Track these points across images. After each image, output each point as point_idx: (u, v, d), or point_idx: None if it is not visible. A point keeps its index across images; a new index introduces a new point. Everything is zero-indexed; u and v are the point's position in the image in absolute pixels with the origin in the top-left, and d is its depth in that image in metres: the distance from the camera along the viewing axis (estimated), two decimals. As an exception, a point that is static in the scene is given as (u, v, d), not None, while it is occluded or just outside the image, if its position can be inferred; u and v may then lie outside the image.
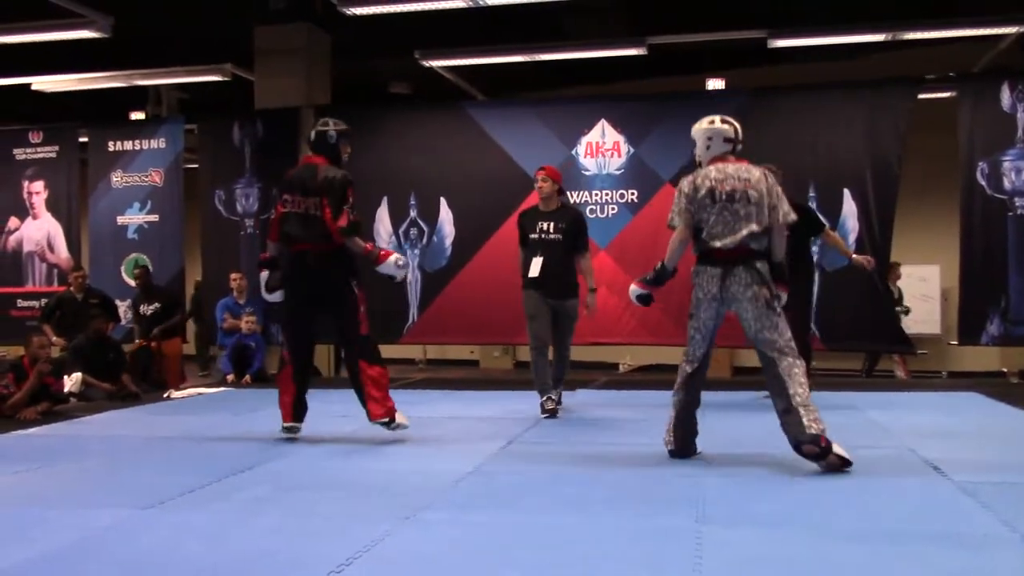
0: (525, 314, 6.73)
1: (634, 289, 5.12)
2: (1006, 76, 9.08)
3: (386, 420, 5.54)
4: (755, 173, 4.79)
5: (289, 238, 5.54)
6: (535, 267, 6.64)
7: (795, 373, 4.59)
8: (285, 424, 5.70)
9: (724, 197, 4.70)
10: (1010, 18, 9.05)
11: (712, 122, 4.93)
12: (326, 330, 5.73)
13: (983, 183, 8.95)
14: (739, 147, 4.96)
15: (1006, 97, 8.94)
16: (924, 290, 12.42)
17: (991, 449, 5.23)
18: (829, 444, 4.45)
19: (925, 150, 9.92)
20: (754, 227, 4.70)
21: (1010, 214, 8.91)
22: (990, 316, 8.95)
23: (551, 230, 6.69)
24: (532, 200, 8.71)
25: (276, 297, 5.72)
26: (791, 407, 4.51)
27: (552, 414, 6.57)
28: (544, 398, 6.60)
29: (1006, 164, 8.91)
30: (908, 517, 3.71)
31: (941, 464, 4.62)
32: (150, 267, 10.43)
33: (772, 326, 4.65)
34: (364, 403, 5.55)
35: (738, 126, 4.98)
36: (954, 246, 9.18)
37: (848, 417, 6.47)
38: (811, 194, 9.11)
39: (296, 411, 5.69)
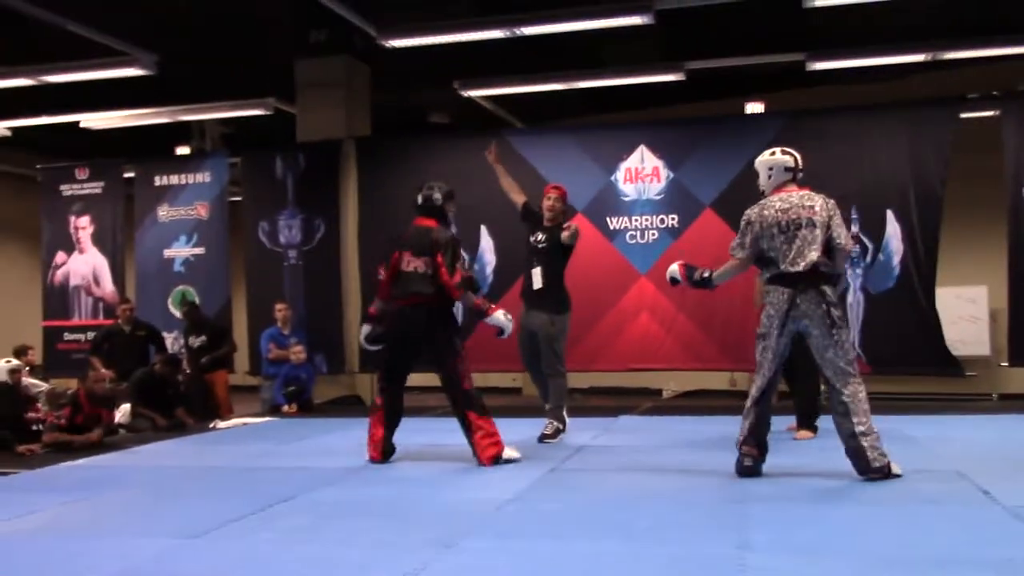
0: None
1: (674, 269, 5.48)
2: (1050, 93, 8.96)
3: (495, 459, 5.71)
4: (817, 201, 5.06)
5: (398, 294, 5.87)
6: (537, 278, 6.78)
7: (860, 399, 4.86)
8: (372, 460, 5.91)
9: (790, 226, 4.98)
10: (1052, 35, 8.96)
11: (773, 153, 5.23)
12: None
13: (1030, 202, 8.81)
14: (800, 175, 5.21)
15: (1051, 114, 8.82)
16: (973, 311, 12.22)
17: (1043, 473, 5.12)
18: (890, 472, 4.83)
19: (970, 169, 9.80)
20: (819, 251, 4.95)
21: (1058, 233, 8.77)
22: (1041, 337, 8.79)
23: (542, 240, 6.84)
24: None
25: (375, 347, 6.15)
26: (855, 435, 4.83)
27: (542, 439, 6.66)
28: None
29: (1052, 183, 8.78)
30: (957, 543, 3.64)
31: (991, 488, 4.53)
32: (196, 300, 10.54)
33: (837, 345, 4.90)
34: (474, 451, 5.74)
35: (798, 156, 5.23)
36: (1002, 266, 9.04)
37: (897, 441, 6.35)
38: (854, 216, 9.02)
39: (385, 450, 5.93)
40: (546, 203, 6.92)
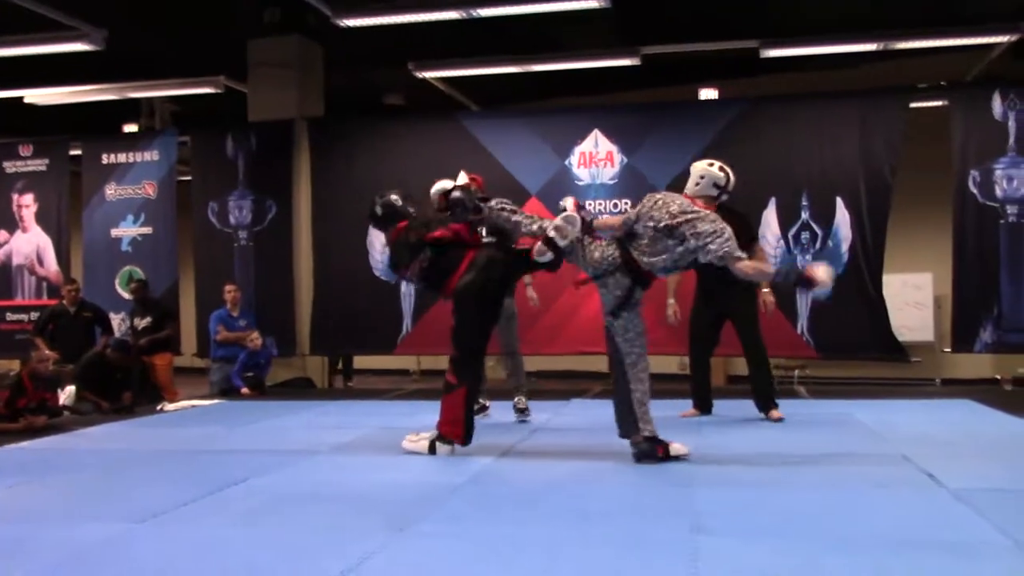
0: None
1: (567, 204, 5.20)
2: (997, 85, 9.12)
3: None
4: (707, 226, 4.88)
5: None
6: None
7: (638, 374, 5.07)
8: (458, 445, 5.45)
9: (664, 229, 4.94)
10: (1001, 27, 9.09)
11: (711, 164, 5.25)
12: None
13: (975, 191, 8.99)
14: (724, 197, 5.24)
15: (997, 106, 8.99)
16: (917, 298, 12.44)
17: (985, 456, 5.23)
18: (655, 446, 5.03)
19: (918, 159, 9.95)
20: (670, 260, 4.98)
21: (1002, 222, 8.96)
22: (983, 323, 8.98)
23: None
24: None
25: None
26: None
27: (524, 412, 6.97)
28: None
29: (998, 172, 8.96)
30: (903, 525, 3.71)
31: (936, 472, 4.62)
32: (146, 280, 10.38)
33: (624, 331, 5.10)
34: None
35: (732, 177, 5.23)
36: (947, 254, 9.21)
37: (843, 425, 6.48)
38: (804, 203, 9.15)
39: (468, 433, 5.48)
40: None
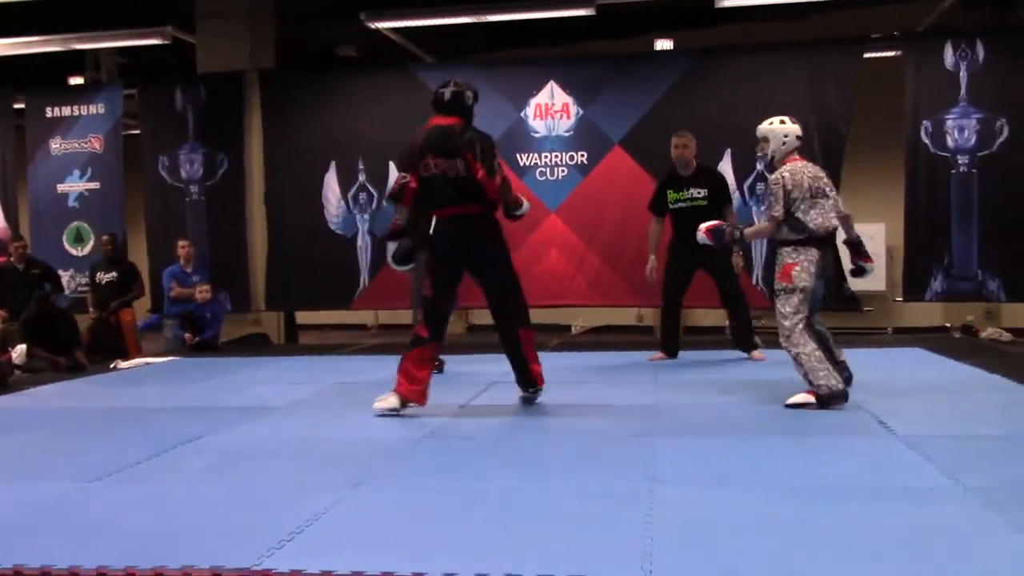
0: None
1: (702, 237, 5.53)
2: (949, 35, 9.16)
3: (541, 387, 5.52)
4: (821, 171, 5.54)
5: (434, 203, 5.18)
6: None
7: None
8: (409, 403, 5.16)
9: (817, 192, 5.42)
10: (953, -23, 9.13)
11: (783, 122, 5.62)
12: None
13: (927, 142, 9.06)
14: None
15: (949, 56, 9.03)
16: (870, 247, 12.48)
17: (935, 403, 5.34)
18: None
19: (871, 109, 9.99)
20: (836, 216, 5.52)
21: (953, 172, 9.05)
22: (934, 272, 9.11)
23: None
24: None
25: (405, 267, 5.63)
26: (836, 361, 5.50)
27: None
28: None
29: (949, 123, 9.03)
30: (856, 472, 3.77)
31: (887, 419, 4.70)
32: (117, 235, 10.13)
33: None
34: (526, 369, 5.45)
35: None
36: (899, 204, 9.30)
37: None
38: (758, 154, 9.13)
39: (427, 393, 5.25)
40: None
